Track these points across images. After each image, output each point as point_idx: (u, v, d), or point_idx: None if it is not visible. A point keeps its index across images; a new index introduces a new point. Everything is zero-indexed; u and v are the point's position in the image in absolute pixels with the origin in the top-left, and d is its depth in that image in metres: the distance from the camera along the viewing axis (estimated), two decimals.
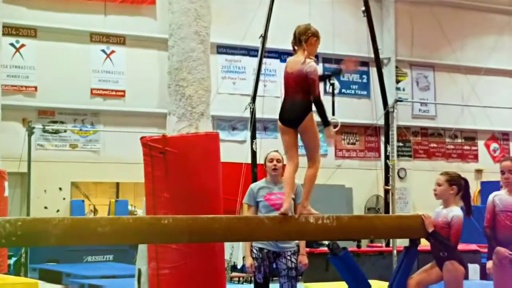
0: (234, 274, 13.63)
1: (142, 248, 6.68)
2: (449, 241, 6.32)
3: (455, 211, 6.44)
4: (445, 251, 6.38)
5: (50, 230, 4.56)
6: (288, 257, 6.95)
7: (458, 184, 6.60)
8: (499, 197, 6.81)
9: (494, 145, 21.33)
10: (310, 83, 5.53)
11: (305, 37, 5.72)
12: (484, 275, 12.17)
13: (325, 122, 5.59)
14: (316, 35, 5.76)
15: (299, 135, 5.66)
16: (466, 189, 6.68)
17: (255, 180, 11.34)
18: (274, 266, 7.00)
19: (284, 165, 7.39)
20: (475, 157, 21.10)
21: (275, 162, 7.03)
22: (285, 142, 5.63)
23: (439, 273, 6.57)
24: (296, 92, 5.62)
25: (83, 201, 16.63)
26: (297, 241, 7.15)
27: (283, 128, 5.62)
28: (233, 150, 16.45)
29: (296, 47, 5.80)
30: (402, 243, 6.64)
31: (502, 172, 6.81)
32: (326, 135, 5.67)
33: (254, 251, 6.96)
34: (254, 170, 13.27)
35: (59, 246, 12.93)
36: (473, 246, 13.01)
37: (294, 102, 5.60)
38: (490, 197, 6.90)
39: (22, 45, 16.35)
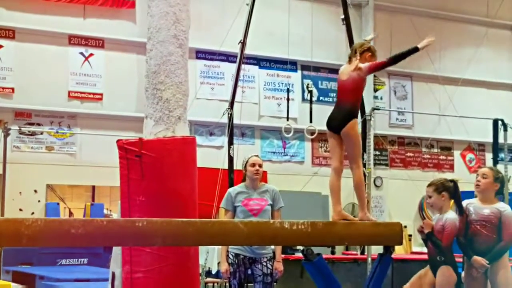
0: (208, 279, 13.59)
1: (116, 251, 6.64)
2: (442, 242, 6.51)
3: (449, 215, 6.73)
4: (441, 255, 6.55)
5: (23, 231, 4.52)
6: (264, 263, 6.96)
7: (447, 189, 6.80)
8: (472, 205, 6.80)
9: (470, 156, 21.47)
10: (369, 70, 5.74)
11: (360, 50, 5.89)
12: (458, 285, 12.22)
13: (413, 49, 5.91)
14: (371, 51, 5.94)
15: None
16: (456, 191, 6.82)
17: (231, 186, 11.33)
18: (250, 272, 7.01)
19: (264, 171, 7.41)
20: (451, 167, 21.22)
21: (257, 167, 7.05)
22: (330, 147, 5.87)
23: (432, 278, 6.71)
24: (345, 99, 5.78)
25: (58, 204, 16.52)
26: (273, 247, 7.16)
27: (328, 132, 5.82)
28: (210, 155, 16.43)
29: (351, 60, 5.92)
30: (377, 251, 6.70)
31: (477, 176, 6.85)
32: None
33: (230, 256, 6.96)
34: (231, 176, 13.27)
35: (33, 248, 12.87)
36: None
37: (340, 108, 5.77)
38: (463, 204, 6.91)
39: (0, 46, 16.25)
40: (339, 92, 5.92)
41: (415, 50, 5.73)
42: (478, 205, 6.75)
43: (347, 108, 5.72)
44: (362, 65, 5.73)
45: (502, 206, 6.73)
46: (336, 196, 5.70)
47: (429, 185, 6.94)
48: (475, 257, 6.63)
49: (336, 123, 5.71)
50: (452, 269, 6.70)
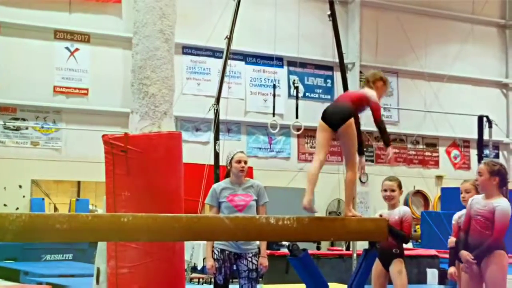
0: (194, 275, 13.59)
1: (102, 247, 6.62)
2: (404, 232, 6.80)
3: (406, 208, 7.25)
4: (397, 247, 6.81)
5: (7, 226, 4.49)
6: (249, 259, 6.95)
7: (401, 186, 7.37)
8: (475, 200, 6.68)
9: (455, 152, 21.56)
10: (372, 106, 5.87)
11: (372, 79, 6.08)
12: (442, 280, 12.28)
13: (386, 143, 6.03)
14: (383, 80, 6.12)
15: (333, 138, 5.89)
16: None
17: (217, 181, 11.31)
18: (235, 267, 7.00)
19: (250, 167, 7.39)
20: (436, 163, 21.30)
21: (242, 164, 7.02)
22: (319, 139, 5.81)
23: (384, 271, 6.98)
24: (347, 100, 5.87)
25: (43, 199, 16.47)
26: (258, 243, 7.15)
27: (322, 126, 5.76)
28: (196, 151, 16.42)
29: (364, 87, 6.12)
30: (362, 246, 6.79)
31: (480, 174, 6.70)
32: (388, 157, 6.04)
33: (216, 252, 6.94)
34: (217, 172, 13.23)
35: (17, 244, 12.82)
36: (432, 251, 13.14)
37: (338, 106, 5.84)
38: (469, 200, 6.82)
39: None
40: (342, 96, 6.02)
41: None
42: (479, 201, 6.64)
43: (347, 106, 5.76)
44: (371, 95, 5.90)
45: (498, 201, 6.49)
46: (312, 186, 5.73)
47: (391, 180, 7.38)
48: (461, 252, 6.60)
49: (336, 119, 5.70)
50: (403, 262, 7.10)
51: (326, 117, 5.75)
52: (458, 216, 7.37)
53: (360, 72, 19.92)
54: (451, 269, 7.42)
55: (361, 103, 5.87)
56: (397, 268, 7.02)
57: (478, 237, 6.50)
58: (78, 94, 17.01)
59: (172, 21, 6.93)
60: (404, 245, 7.28)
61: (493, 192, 6.52)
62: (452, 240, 7.37)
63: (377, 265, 6.91)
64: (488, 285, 6.46)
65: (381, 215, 7.07)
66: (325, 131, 5.74)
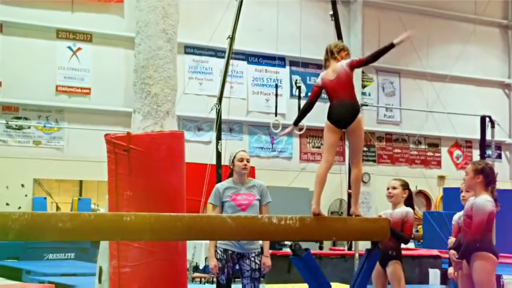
0: (196, 274, 13.59)
1: (104, 246, 6.63)
2: (405, 234, 6.80)
3: (408, 209, 7.18)
4: (394, 249, 6.81)
5: (10, 225, 4.50)
6: (252, 259, 6.95)
7: (409, 189, 7.31)
8: (469, 202, 6.70)
9: (457, 152, 21.55)
10: (355, 65, 5.79)
11: (336, 50, 5.97)
12: (444, 280, 12.29)
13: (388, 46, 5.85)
14: (346, 50, 6.01)
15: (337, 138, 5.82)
16: (411, 198, 7.37)
17: (219, 181, 11.31)
18: (237, 267, 7.00)
19: (252, 167, 7.38)
20: (438, 164, 21.29)
21: (245, 162, 7.02)
22: (329, 141, 5.74)
23: (382, 271, 6.99)
24: (344, 94, 5.75)
25: (45, 198, 16.48)
26: (261, 243, 7.16)
27: (331, 128, 5.71)
28: (198, 150, 16.42)
29: (328, 62, 6.00)
30: (364, 246, 6.80)
31: (466, 173, 6.74)
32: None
33: (219, 252, 6.95)
34: (219, 171, 13.26)
35: (19, 242, 12.84)
36: (434, 251, 13.14)
37: (344, 104, 5.73)
38: (467, 202, 6.85)
39: None
40: (333, 91, 5.79)
41: (391, 46, 5.75)
42: (470, 201, 6.66)
43: (351, 103, 5.72)
44: (345, 62, 5.77)
45: (477, 198, 6.50)
46: (321, 189, 5.71)
47: (396, 179, 7.39)
48: (450, 251, 6.72)
49: (346, 119, 5.66)
50: (400, 263, 7.10)
51: (333, 118, 5.70)
52: (458, 217, 7.38)
53: (362, 72, 19.92)
54: (451, 269, 7.45)
55: (350, 79, 5.79)
56: (394, 270, 7.01)
57: (464, 236, 6.59)
58: (80, 94, 17.02)
59: (175, 20, 6.93)
60: (406, 246, 7.29)
61: (479, 192, 6.54)
62: (452, 240, 7.39)
63: (376, 265, 6.91)
64: (476, 286, 6.50)
65: (380, 216, 7.08)
66: (334, 132, 5.69)
